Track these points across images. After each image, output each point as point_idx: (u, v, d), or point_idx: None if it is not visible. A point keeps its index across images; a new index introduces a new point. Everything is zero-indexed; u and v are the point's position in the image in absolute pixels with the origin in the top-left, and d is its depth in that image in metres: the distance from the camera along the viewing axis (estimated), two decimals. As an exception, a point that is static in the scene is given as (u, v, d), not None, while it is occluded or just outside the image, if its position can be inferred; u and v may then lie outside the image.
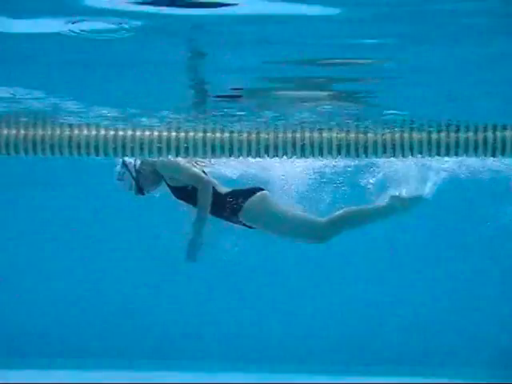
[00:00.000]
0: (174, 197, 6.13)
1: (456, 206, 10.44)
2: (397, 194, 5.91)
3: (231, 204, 5.96)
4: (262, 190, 6.08)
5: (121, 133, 5.84)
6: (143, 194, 6.10)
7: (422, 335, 12.21)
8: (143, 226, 11.75)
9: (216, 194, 5.98)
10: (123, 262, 12.84)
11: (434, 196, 6.00)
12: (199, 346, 12.30)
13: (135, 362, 11.58)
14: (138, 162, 6.03)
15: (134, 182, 6.02)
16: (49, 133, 5.84)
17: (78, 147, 5.82)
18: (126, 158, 6.03)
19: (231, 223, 6.09)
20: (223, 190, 6.05)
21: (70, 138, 5.83)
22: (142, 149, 5.81)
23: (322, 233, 5.93)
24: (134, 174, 6.00)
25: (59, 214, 12.52)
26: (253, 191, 6.03)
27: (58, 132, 5.84)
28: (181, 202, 6.12)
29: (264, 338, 12.40)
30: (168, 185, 6.09)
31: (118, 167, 6.07)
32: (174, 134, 5.84)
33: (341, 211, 5.95)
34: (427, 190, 5.96)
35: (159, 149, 5.82)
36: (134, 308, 12.86)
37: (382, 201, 5.93)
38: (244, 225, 6.04)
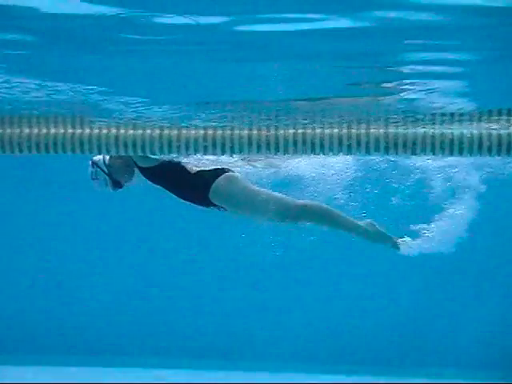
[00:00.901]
0: (149, 182, 6.07)
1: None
2: (375, 224, 5.91)
3: (200, 183, 5.91)
4: (229, 171, 6.01)
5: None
6: (121, 187, 6.08)
7: (420, 335, 12.23)
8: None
9: (185, 171, 5.96)
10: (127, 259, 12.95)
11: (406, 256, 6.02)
12: (200, 344, 12.36)
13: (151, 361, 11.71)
14: (107, 157, 6.02)
15: (108, 178, 6.01)
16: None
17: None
18: (95, 157, 6.03)
19: (203, 206, 6.04)
20: (194, 169, 5.99)
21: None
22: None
23: (294, 211, 5.84)
24: (105, 169, 6.00)
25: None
26: (221, 171, 5.95)
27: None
28: (156, 186, 6.07)
29: (263, 338, 12.43)
30: (140, 168, 6.01)
31: (89, 168, 6.06)
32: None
33: (317, 203, 5.93)
34: (405, 246, 5.96)
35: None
36: (135, 307, 12.91)
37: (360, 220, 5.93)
38: (214, 205, 5.97)
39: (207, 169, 5.97)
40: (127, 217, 12.41)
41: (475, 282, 12.15)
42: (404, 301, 12.28)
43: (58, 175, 10.71)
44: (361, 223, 5.89)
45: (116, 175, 6.03)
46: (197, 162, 6.02)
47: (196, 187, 5.93)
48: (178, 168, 5.96)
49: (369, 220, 5.92)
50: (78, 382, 10.50)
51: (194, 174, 5.95)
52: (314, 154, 5.76)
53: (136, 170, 6.07)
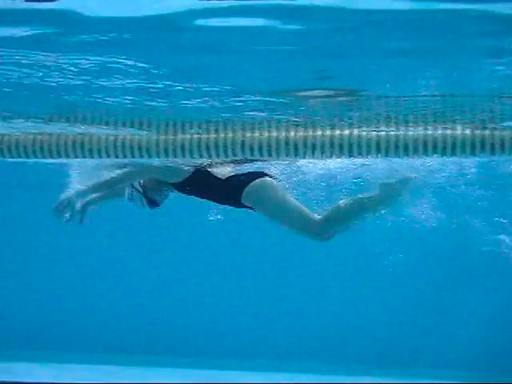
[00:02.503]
0: (183, 194, 6.19)
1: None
2: (384, 181, 5.92)
3: (231, 188, 5.98)
4: (266, 175, 6.08)
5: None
6: (158, 205, 6.21)
7: (420, 335, 12.28)
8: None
9: (215, 178, 6.03)
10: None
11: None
12: (201, 342, 12.41)
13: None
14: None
15: (143, 198, 6.12)
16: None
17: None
18: None
19: (233, 206, 6.13)
20: (225, 174, 6.06)
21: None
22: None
23: (318, 229, 5.88)
24: (140, 189, 6.11)
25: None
26: (257, 175, 6.03)
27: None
28: (191, 197, 6.18)
29: (263, 336, 12.47)
30: (172, 185, 6.14)
31: (126, 189, 6.18)
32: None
33: (333, 206, 5.93)
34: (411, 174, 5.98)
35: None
36: (137, 306, 12.99)
37: (373, 192, 5.92)
38: (245, 206, 6.05)
39: (240, 173, 6.06)
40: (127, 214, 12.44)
41: (475, 282, 12.21)
42: (404, 300, 12.31)
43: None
44: (375, 193, 5.89)
45: (151, 194, 6.13)
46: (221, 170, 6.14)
47: (228, 192, 6.01)
48: (208, 176, 6.05)
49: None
50: (84, 382, 10.57)
51: (226, 179, 6.02)
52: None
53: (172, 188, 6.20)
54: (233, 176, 6.05)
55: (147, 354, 11.99)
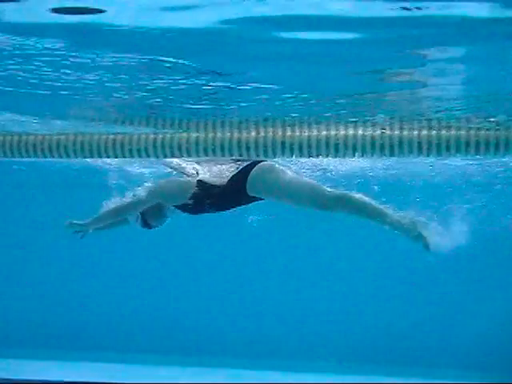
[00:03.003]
0: (193, 214, 6.21)
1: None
2: (421, 221, 5.69)
3: (236, 185, 5.97)
4: (261, 161, 6.07)
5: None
6: (150, 228, 6.29)
7: (420, 335, 12.36)
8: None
9: (216, 187, 6.01)
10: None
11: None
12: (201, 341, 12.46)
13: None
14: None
15: (140, 216, 6.21)
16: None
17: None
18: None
19: (244, 204, 6.12)
20: (222, 180, 6.02)
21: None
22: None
23: (323, 201, 5.81)
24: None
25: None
26: (252, 165, 6.02)
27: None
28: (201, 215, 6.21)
29: (262, 334, 12.55)
30: (177, 207, 6.14)
31: None
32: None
33: (353, 195, 5.85)
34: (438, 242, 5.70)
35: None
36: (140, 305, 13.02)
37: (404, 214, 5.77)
38: (254, 199, 6.04)
39: (236, 171, 6.02)
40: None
41: (475, 281, 12.34)
42: (403, 300, 12.35)
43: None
44: (395, 215, 5.76)
45: (147, 217, 6.20)
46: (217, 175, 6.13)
47: (233, 191, 5.99)
48: (209, 188, 6.02)
49: (404, 214, 5.78)
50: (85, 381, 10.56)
51: (226, 183, 6.01)
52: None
53: (171, 210, 6.21)
54: (230, 178, 6.01)
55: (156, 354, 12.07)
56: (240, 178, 5.95)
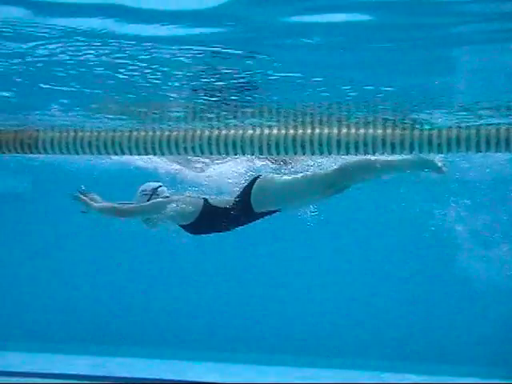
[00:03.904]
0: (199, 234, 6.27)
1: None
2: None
3: (240, 205, 5.99)
4: (258, 176, 6.10)
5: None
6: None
7: (420, 334, 12.34)
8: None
9: (221, 209, 6.04)
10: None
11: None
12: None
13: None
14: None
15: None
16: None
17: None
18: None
19: (252, 221, 6.13)
20: (226, 203, 6.08)
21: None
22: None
23: (333, 180, 5.88)
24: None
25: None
26: (251, 183, 6.03)
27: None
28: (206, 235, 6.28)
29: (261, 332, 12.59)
30: (182, 226, 6.19)
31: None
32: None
33: (351, 160, 6.03)
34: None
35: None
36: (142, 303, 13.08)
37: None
38: (263, 214, 6.05)
39: (237, 194, 6.06)
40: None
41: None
42: (404, 298, 12.34)
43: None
44: (400, 158, 5.98)
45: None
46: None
47: (238, 210, 5.99)
48: (215, 209, 6.05)
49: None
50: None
51: (233, 203, 6.03)
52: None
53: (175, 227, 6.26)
54: (233, 201, 6.03)
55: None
56: (241, 199, 5.98)
